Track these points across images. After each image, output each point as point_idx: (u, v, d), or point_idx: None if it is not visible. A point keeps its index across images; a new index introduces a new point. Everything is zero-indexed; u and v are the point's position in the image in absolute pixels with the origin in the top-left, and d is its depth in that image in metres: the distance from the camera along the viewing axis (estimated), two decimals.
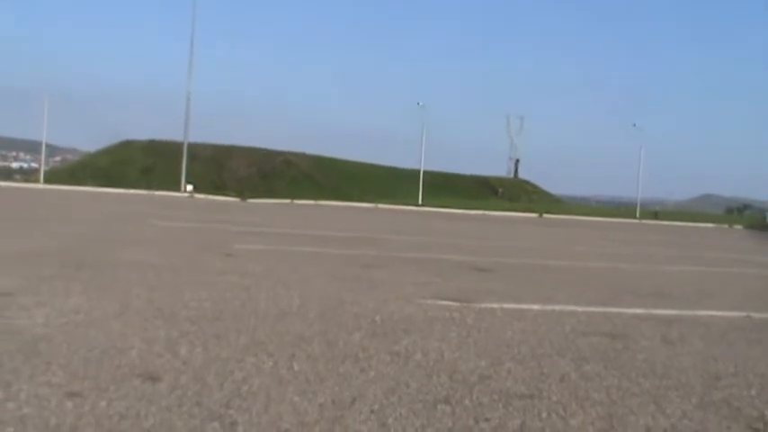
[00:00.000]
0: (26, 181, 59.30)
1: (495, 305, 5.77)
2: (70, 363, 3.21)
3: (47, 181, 51.51)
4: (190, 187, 49.18)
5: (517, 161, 72.98)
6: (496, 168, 74.35)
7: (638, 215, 49.54)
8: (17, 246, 8.49)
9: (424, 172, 56.50)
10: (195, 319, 4.37)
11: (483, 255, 11.41)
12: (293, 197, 46.25)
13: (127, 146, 64.59)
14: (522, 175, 72.79)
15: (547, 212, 45.43)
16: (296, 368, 3.37)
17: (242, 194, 46.08)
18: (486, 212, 43.29)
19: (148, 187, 48.00)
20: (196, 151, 54.36)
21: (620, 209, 57.06)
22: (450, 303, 5.70)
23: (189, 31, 54.25)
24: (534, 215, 43.74)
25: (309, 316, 4.74)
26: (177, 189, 49.44)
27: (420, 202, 49.91)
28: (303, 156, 65.97)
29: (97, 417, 2.54)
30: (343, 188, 56.48)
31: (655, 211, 53.52)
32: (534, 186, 71.45)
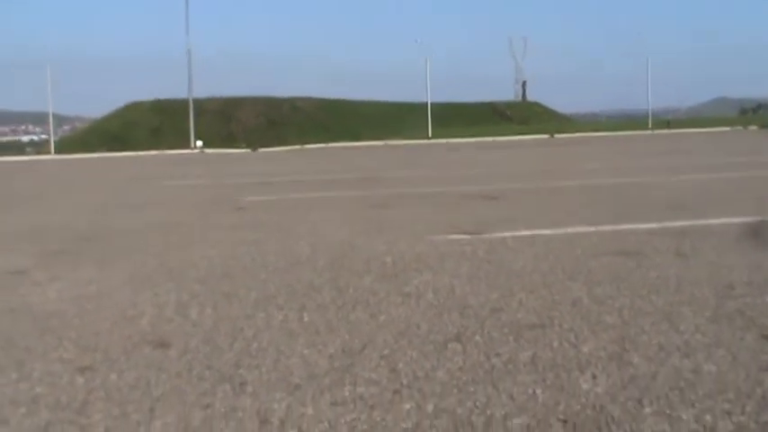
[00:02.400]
0: (38, 153, 59.34)
1: (506, 234, 5.75)
2: (81, 337, 3.22)
3: (58, 151, 51.52)
4: (200, 143, 49.11)
5: (524, 83, 72.20)
6: (504, 93, 73.66)
7: (650, 126, 49.16)
8: (25, 222, 8.51)
9: (432, 104, 56.10)
10: (205, 279, 4.37)
11: (493, 183, 11.36)
12: (303, 142, 46.10)
13: (133, 108, 64.38)
14: (531, 96, 72.09)
15: (558, 132, 45.16)
16: (306, 319, 3.37)
17: (252, 145, 45.96)
18: (497, 138, 43.05)
19: (158, 147, 47.95)
20: (203, 106, 54.20)
21: (632, 121, 56.50)
22: (461, 237, 5.68)
23: None
24: (545, 136, 43.50)
25: (319, 264, 4.73)
26: (187, 146, 49.42)
27: (429, 135, 49.70)
28: (310, 100, 65.61)
29: (107, 390, 2.54)
30: (353, 128, 56.20)
31: (667, 121, 53.01)
32: (543, 107, 70.78)
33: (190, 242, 6.08)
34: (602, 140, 34.08)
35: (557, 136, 43.12)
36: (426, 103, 56.14)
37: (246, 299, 3.82)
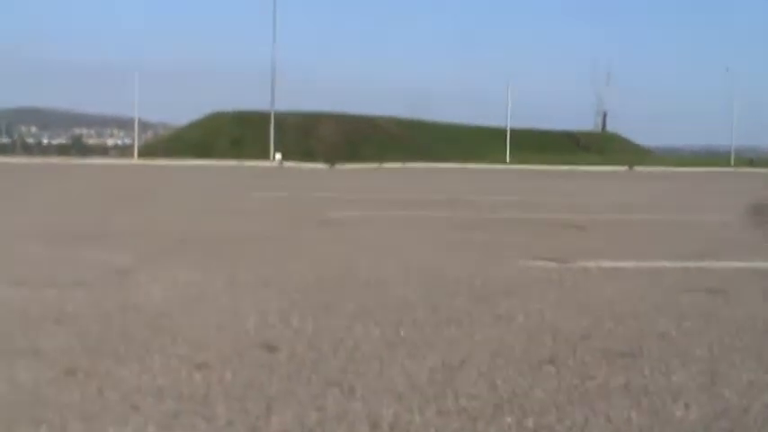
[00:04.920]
0: (121, 156, 60.97)
1: (591, 264, 5.83)
2: (192, 336, 3.42)
3: (141, 156, 52.84)
4: (279, 156, 49.90)
5: (604, 114, 71.67)
6: (583, 122, 73.23)
7: (732, 163, 48.37)
8: (125, 223, 8.85)
9: (510, 129, 56.15)
10: (302, 290, 4.56)
11: (576, 212, 11.41)
12: (381, 161, 46.52)
13: (216, 118, 65.62)
14: (610, 127, 71.53)
15: (637, 165, 44.75)
16: (403, 334, 3.52)
17: (330, 161, 46.51)
18: (575, 167, 42.87)
19: (238, 157, 48.81)
20: (284, 120, 55.00)
21: (714, 158, 55.67)
22: (548, 264, 5.79)
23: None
24: (623, 168, 43.14)
25: (411, 282, 4.89)
26: (266, 158, 50.22)
27: (507, 160, 49.70)
28: (389, 119, 66.07)
29: (224, 385, 2.73)
30: (431, 149, 56.46)
31: (750, 159, 52.12)
32: (623, 138, 70.17)
33: (283, 253, 6.30)
34: (682, 176, 33.72)
35: (636, 168, 42.71)
36: (504, 127, 56.24)
37: (343, 311, 3.99)
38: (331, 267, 5.46)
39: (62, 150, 79.24)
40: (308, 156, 53.37)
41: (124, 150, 73.93)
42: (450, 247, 6.86)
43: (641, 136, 71.43)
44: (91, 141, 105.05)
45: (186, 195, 15.01)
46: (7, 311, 3.90)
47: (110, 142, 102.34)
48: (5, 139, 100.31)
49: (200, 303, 4.15)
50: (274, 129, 52.23)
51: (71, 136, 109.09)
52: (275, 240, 7.25)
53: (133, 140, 61.45)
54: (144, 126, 64.27)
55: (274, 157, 50.26)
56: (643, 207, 13.31)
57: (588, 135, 69.29)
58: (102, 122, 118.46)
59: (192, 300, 4.23)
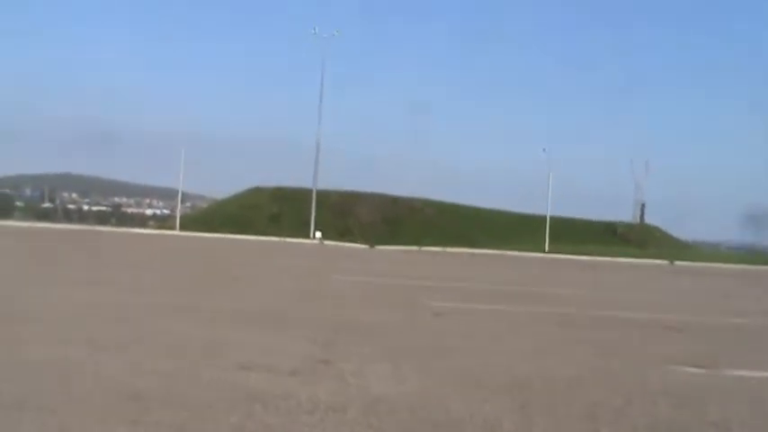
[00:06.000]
0: (160, 227, 61.83)
1: (742, 372, 6.12)
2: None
3: (181, 228, 53.62)
4: (318, 234, 50.52)
5: (643, 205, 71.94)
6: (621, 213, 73.61)
7: None
8: (254, 306, 9.25)
9: (545, 217, 56.67)
10: (501, 389, 4.89)
11: (662, 312, 11.70)
12: (417, 243, 46.89)
13: (256, 192, 66.55)
14: (648, 219, 71.84)
15: (677, 259, 44.86)
16: None
17: (369, 241, 46.98)
18: (615, 259, 43.06)
19: (275, 233, 49.39)
20: (321, 198, 55.72)
21: (757, 255, 55.69)
22: (699, 371, 6.08)
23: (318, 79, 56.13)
24: (664, 262, 43.25)
25: (587, 383, 5.20)
26: (304, 236, 50.79)
27: (546, 248, 49.99)
28: (427, 201, 66.73)
29: None
30: (467, 234, 56.87)
31: None
32: (662, 231, 70.38)
33: (439, 346, 6.64)
34: (728, 273, 33.81)
35: (676, 263, 42.83)
36: (543, 215, 56.77)
37: (568, 412, 4.31)
38: (491, 364, 5.80)
39: (101, 218, 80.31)
40: (345, 234, 53.91)
41: (163, 221, 74.93)
42: (584, 347, 7.15)
43: (679, 229, 71.20)
44: (130, 211, 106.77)
45: (274, 276, 15.43)
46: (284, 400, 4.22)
47: (148, 212, 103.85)
48: (48, 204, 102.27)
49: (418, 398, 4.46)
50: (315, 207, 53.01)
51: (111, 204, 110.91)
52: (413, 330, 7.64)
53: (171, 211, 62.55)
54: (183, 197, 65.08)
55: (314, 236, 50.84)
56: (713, 307, 13.57)
57: (627, 226, 69.62)
58: (141, 192, 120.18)
59: (408, 395, 4.53)
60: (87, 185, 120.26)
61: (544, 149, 62.41)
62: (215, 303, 9.29)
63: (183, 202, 63.75)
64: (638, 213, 71.80)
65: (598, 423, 4.06)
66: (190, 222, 58.51)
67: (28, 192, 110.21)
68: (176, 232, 49.70)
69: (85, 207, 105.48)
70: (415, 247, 44.88)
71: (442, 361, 5.82)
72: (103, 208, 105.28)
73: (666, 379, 5.59)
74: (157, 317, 7.57)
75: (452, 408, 4.24)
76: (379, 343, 6.63)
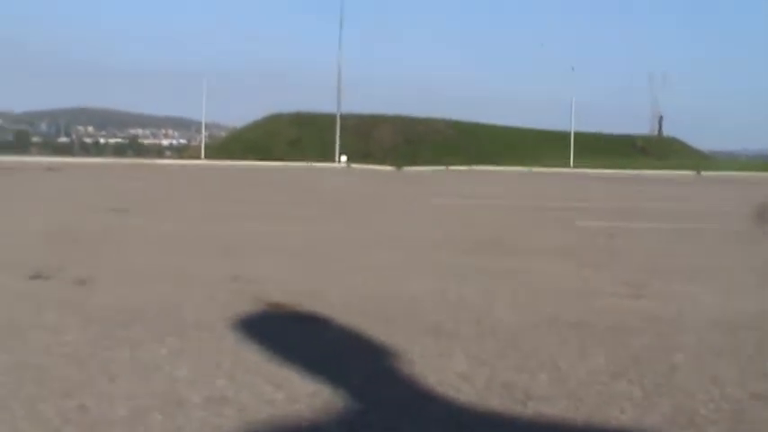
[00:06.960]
0: (181, 157, 61.88)
1: None
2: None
3: (206, 157, 53.66)
4: (344, 158, 50.61)
5: (660, 118, 71.82)
6: (640, 126, 73.45)
7: None
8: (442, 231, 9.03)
9: (566, 134, 56.73)
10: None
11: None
12: (442, 164, 46.93)
13: (275, 119, 66.59)
14: (666, 131, 71.77)
15: (702, 170, 44.99)
16: None
17: (395, 164, 47.05)
18: (641, 172, 43.10)
19: (300, 158, 49.47)
20: (342, 122, 55.72)
21: None
22: None
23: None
24: (690, 173, 43.31)
25: None
26: (328, 159, 50.89)
27: (571, 164, 50.22)
28: (447, 122, 66.74)
29: None
30: (488, 152, 56.98)
31: None
32: (682, 143, 70.41)
33: (704, 267, 6.35)
34: (759, 180, 33.67)
35: (703, 173, 42.96)
36: (558, 131, 56.75)
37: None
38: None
39: (118, 150, 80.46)
40: (367, 157, 54.05)
41: (180, 151, 74.94)
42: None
43: (697, 140, 71.08)
44: (146, 142, 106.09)
45: (400, 203, 14.95)
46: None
47: (164, 142, 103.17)
48: (65, 138, 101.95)
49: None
50: (339, 130, 53.04)
51: (127, 136, 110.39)
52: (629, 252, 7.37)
53: (188, 141, 62.74)
54: (198, 126, 65.32)
55: (339, 159, 50.98)
56: None
57: (646, 139, 69.58)
58: (154, 123, 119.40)
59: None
60: (102, 118, 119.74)
61: (573, 68, 62.23)
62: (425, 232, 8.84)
63: (199, 131, 63.87)
64: (657, 126, 71.72)
65: None
66: (211, 151, 58.66)
67: (44, 127, 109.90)
68: (203, 161, 49.65)
69: (102, 140, 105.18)
70: (441, 167, 45.00)
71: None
72: (119, 140, 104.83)
73: None
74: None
75: None
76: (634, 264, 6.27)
